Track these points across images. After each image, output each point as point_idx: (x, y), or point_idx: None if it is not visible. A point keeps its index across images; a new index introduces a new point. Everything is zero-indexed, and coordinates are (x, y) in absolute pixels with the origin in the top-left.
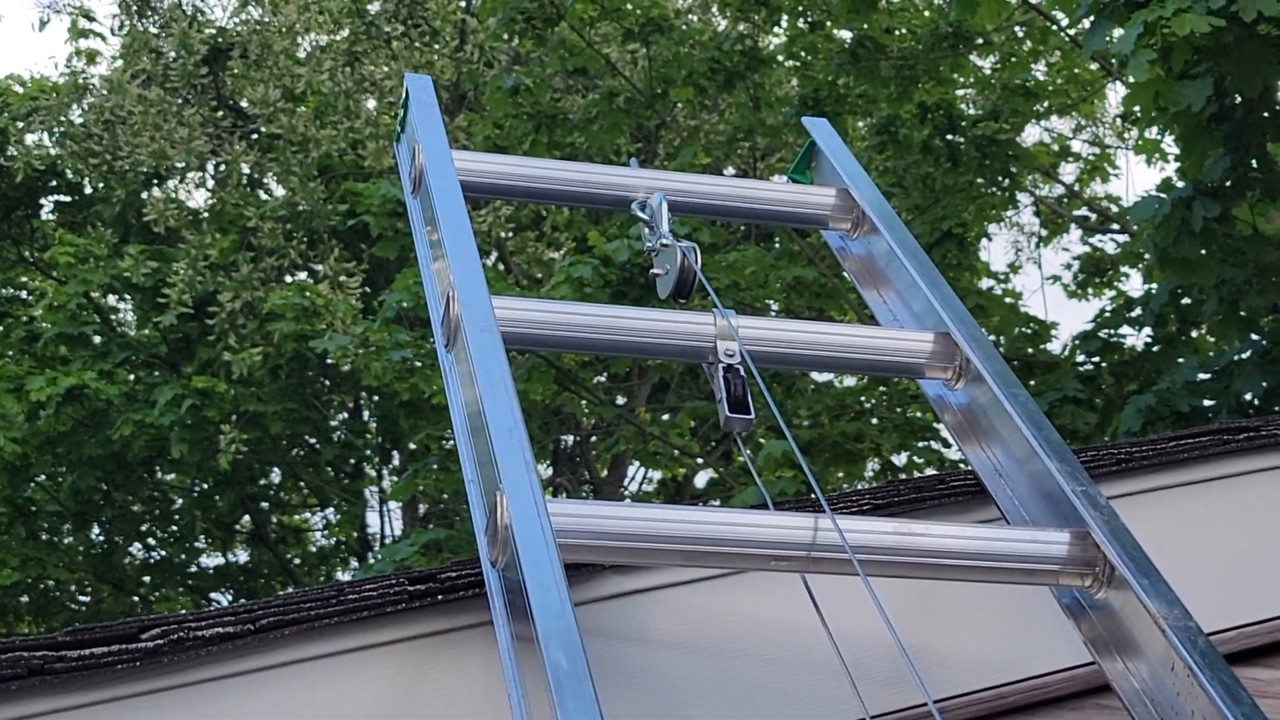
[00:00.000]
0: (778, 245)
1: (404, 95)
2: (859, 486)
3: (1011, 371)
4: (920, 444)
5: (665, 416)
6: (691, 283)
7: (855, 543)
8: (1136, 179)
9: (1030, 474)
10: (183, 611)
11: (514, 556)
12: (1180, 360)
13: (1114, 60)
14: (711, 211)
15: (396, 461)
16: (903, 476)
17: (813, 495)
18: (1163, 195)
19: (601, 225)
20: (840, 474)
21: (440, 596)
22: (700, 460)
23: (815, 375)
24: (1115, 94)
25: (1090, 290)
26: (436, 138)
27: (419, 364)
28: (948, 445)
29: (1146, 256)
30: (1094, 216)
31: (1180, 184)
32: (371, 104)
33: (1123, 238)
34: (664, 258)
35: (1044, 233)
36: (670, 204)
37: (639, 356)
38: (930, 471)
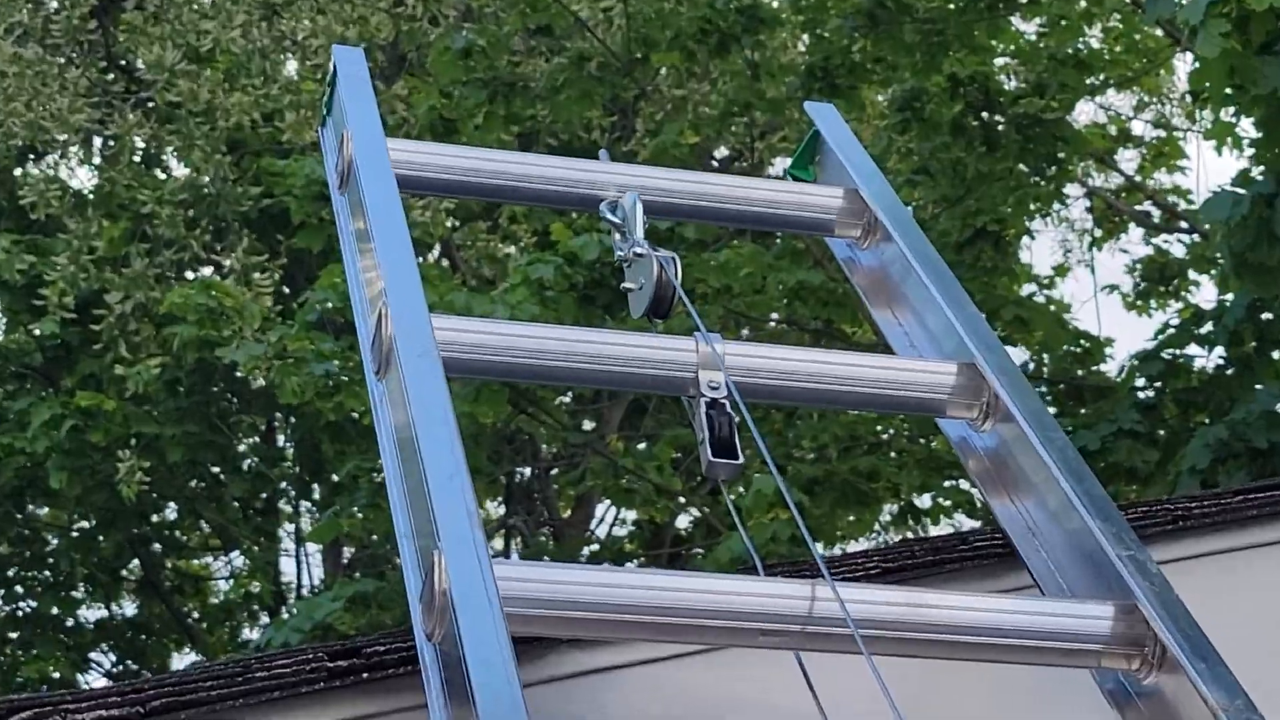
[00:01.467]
0: (779, 242)
1: (331, 70)
2: (869, 542)
3: (1048, 411)
4: (947, 483)
5: (641, 446)
6: (670, 299)
7: (859, 615)
8: (1211, 168)
9: (1068, 533)
10: (58, 677)
11: (453, 628)
12: (1259, 387)
13: (1182, 26)
14: (695, 214)
15: (318, 496)
16: (922, 534)
17: (810, 557)
18: (1240, 191)
19: (567, 217)
20: (850, 519)
21: (366, 675)
22: (683, 499)
23: None
24: (1184, 65)
25: (1153, 301)
26: (369, 122)
27: (346, 378)
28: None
29: (1220, 262)
30: (1158, 213)
31: (1260, 177)
32: (292, 66)
33: (1193, 238)
34: (638, 269)
35: (1098, 231)
36: (646, 205)
37: (606, 388)
38: (960, 518)
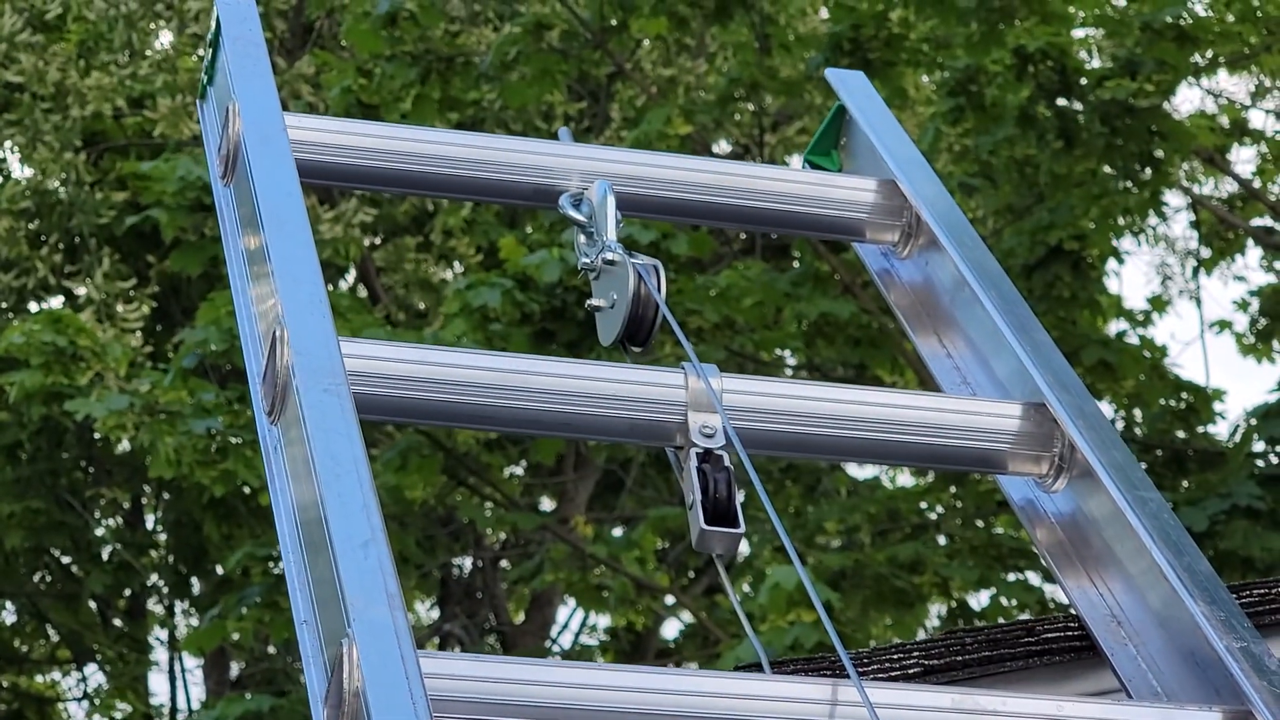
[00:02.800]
0: (797, 264)
1: (213, 28)
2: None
3: (1137, 465)
4: (1011, 576)
5: (617, 531)
6: (651, 321)
7: None
8: None
9: (1165, 621)
10: None
11: None
12: None
13: None
14: (684, 211)
15: (197, 592)
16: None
17: (832, 653)
18: None
19: (519, 228)
20: (887, 622)
21: None
22: (671, 599)
23: (848, 468)
24: None
25: (1276, 343)
26: (261, 92)
27: (235, 439)
28: (1054, 579)
29: None
30: None
31: None
32: (166, 39)
33: None
34: (609, 282)
35: (1205, 253)
36: (620, 199)
37: (569, 436)
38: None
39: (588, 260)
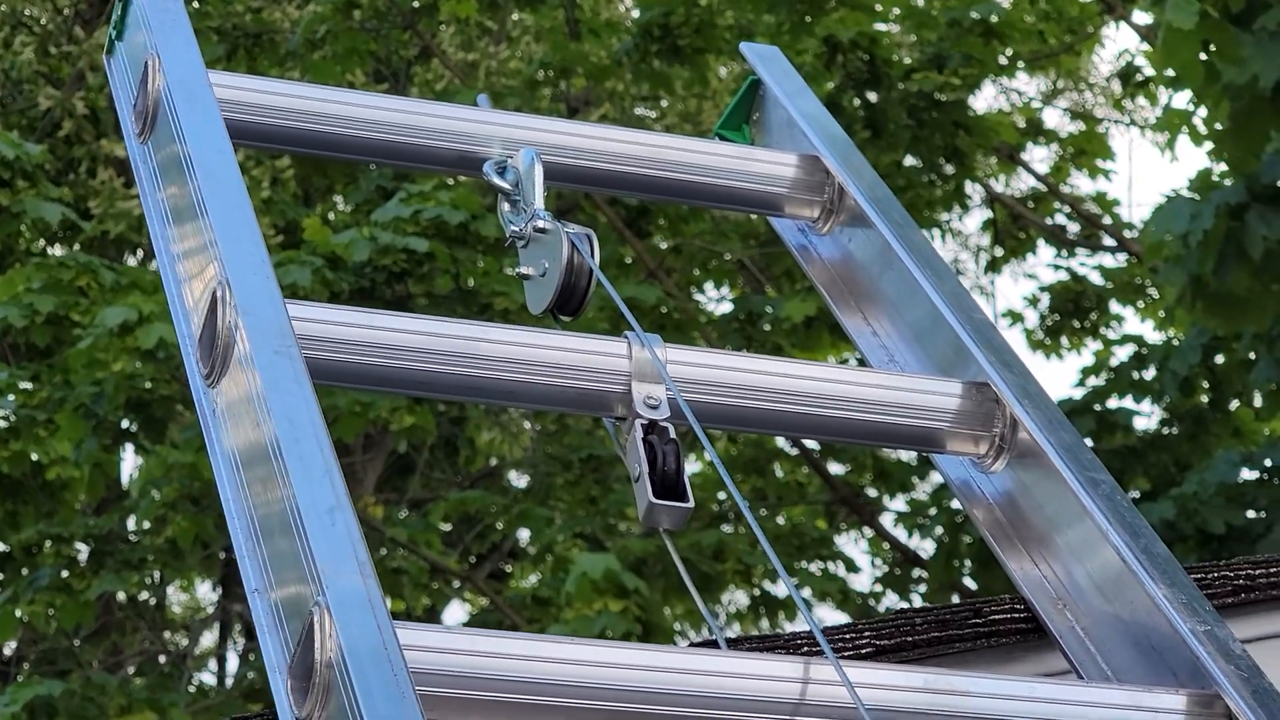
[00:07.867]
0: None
1: None
2: (845, 620)
3: (1087, 447)
4: (812, 566)
5: (404, 513)
6: (585, 290)
7: (874, 702)
8: (1143, 170)
9: (1117, 604)
10: None
11: (347, 708)
12: (1221, 451)
13: None
14: (602, 181)
15: None
16: (907, 606)
17: (786, 630)
18: (1197, 198)
19: (317, 206)
20: (679, 610)
21: None
22: (458, 583)
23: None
24: (1114, 41)
25: (1065, 340)
26: (184, 47)
27: (31, 415)
28: (855, 569)
29: (1153, 292)
30: (1075, 227)
31: (1228, 182)
32: None
33: (1117, 259)
34: (538, 251)
35: (998, 250)
36: (546, 167)
37: (511, 404)
38: (829, 610)
39: (516, 228)
